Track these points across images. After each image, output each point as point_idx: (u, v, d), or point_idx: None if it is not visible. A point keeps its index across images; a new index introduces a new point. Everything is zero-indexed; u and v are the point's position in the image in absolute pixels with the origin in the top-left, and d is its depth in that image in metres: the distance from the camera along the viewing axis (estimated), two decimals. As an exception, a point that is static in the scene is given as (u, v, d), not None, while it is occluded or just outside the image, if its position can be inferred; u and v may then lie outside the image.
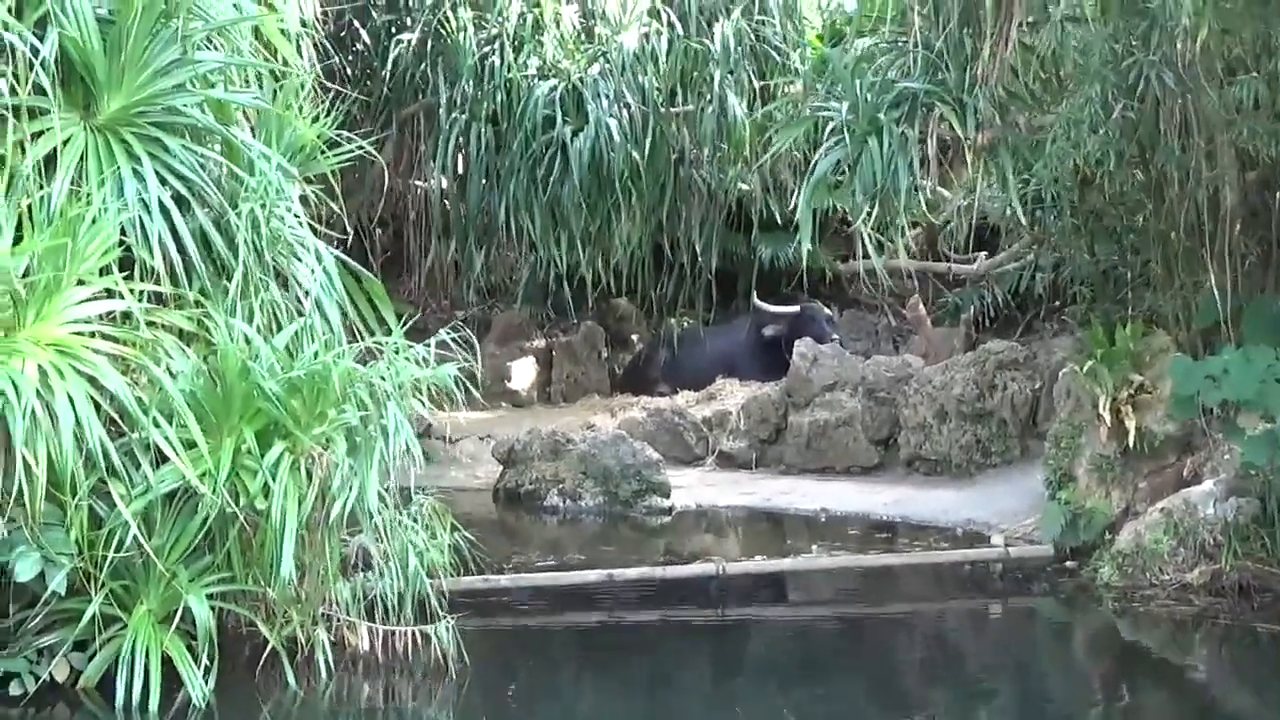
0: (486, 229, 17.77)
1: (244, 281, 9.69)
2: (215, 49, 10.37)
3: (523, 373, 20.44)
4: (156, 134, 9.66)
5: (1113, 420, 12.36)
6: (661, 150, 17.26)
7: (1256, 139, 11.82)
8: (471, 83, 17.12)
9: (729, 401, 17.78)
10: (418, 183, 18.57)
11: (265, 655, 9.16)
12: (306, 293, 10.08)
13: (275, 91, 10.69)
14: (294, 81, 10.68)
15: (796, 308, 19.47)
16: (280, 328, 9.85)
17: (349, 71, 17.60)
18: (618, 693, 9.91)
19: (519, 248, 18.39)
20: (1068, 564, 12.31)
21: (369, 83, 17.86)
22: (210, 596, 9.06)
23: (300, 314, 9.94)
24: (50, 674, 8.80)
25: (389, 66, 17.47)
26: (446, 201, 18.02)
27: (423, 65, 17.44)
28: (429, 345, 10.04)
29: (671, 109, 17.43)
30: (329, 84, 15.41)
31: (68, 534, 8.60)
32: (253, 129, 10.51)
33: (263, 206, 9.85)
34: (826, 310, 19.76)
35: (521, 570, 12.12)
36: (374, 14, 17.82)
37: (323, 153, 11.05)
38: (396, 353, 9.87)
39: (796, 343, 17.50)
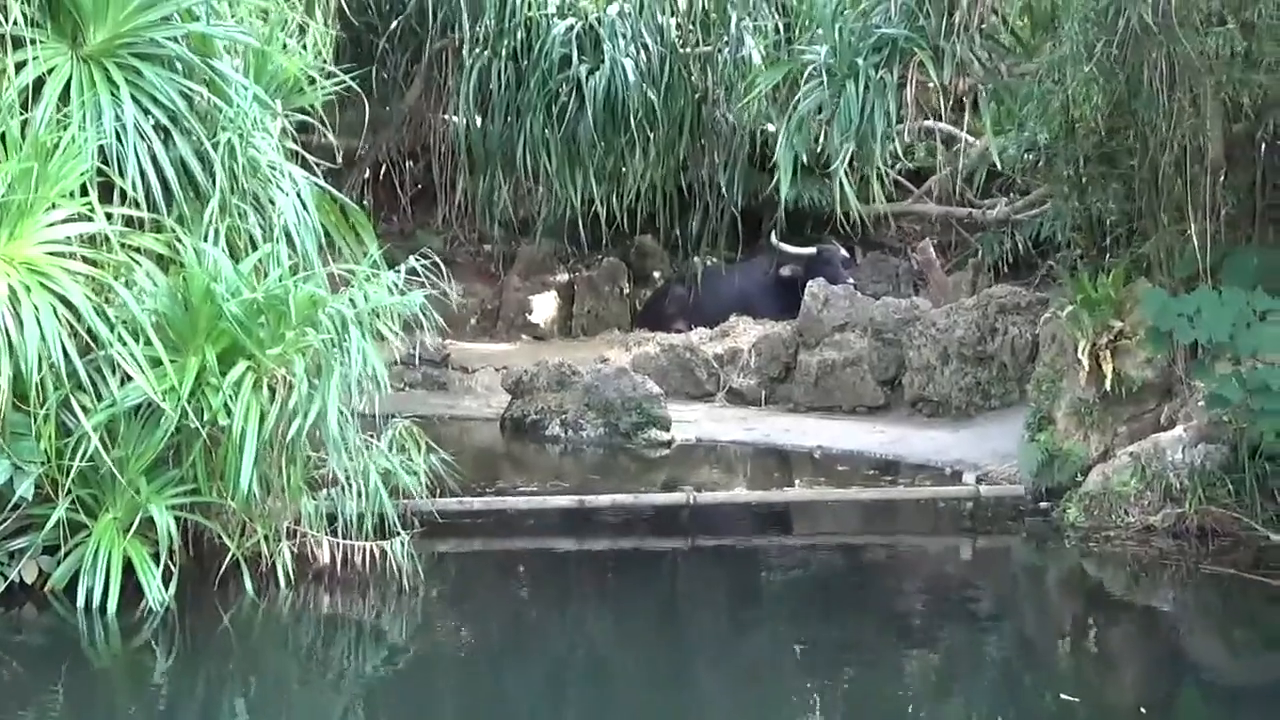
0: (507, 164, 18.11)
1: (220, 208, 10.08)
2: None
3: (544, 306, 20.85)
4: (138, 64, 10.06)
5: (1091, 365, 12.61)
6: (680, 90, 17.56)
7: (1234, 88, 11.96)
8: (493, 19, 17.46)
9: (741, 339, 18.06)
10: (446, 117, 18.93)
11: (226, 565, 9.58)
12: (283, 220, 10.44)
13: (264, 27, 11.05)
14: (277, 17, 11.04)
15: (813, 249, 19.73)
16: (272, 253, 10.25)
17: (373, 7, 17.96)
18: (564, 613, 10.34)
19: (537, 183, 18.72)
20: (1042, 505, 12.54)
21: (395, 18, 18.21)
22: (177, 507, 9.51)
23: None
24: (20, 575, 9.27)
25: (415, 3, 17.83)
26: (469, 136, 18.35)
27: (447, 2, 17.79)
28: (399, 273, 10.43)
29: (692, 49, 17.69)
30: (353, 19, 15.92)
31: (36, 443, 9.05)
32: (244, 64, 10.87)
33: (240, 136, 10.23)
34: (844, 252, 20.01)
35: (503, 494, 12.50)
36: (401, -52, 18.18)
37: (311, 84, 11.42)
38: (368, 280, 10.27)
39: (809, 283, 17.76)
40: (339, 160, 12.26)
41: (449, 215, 19.80)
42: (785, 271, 19.67)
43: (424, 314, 10.42)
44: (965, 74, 12.17)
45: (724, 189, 18.57)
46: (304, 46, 11.59)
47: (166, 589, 9.28)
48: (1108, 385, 12.53)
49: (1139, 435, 12.47)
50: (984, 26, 12.30)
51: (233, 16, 10.87)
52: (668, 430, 15.42)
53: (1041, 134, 14.60)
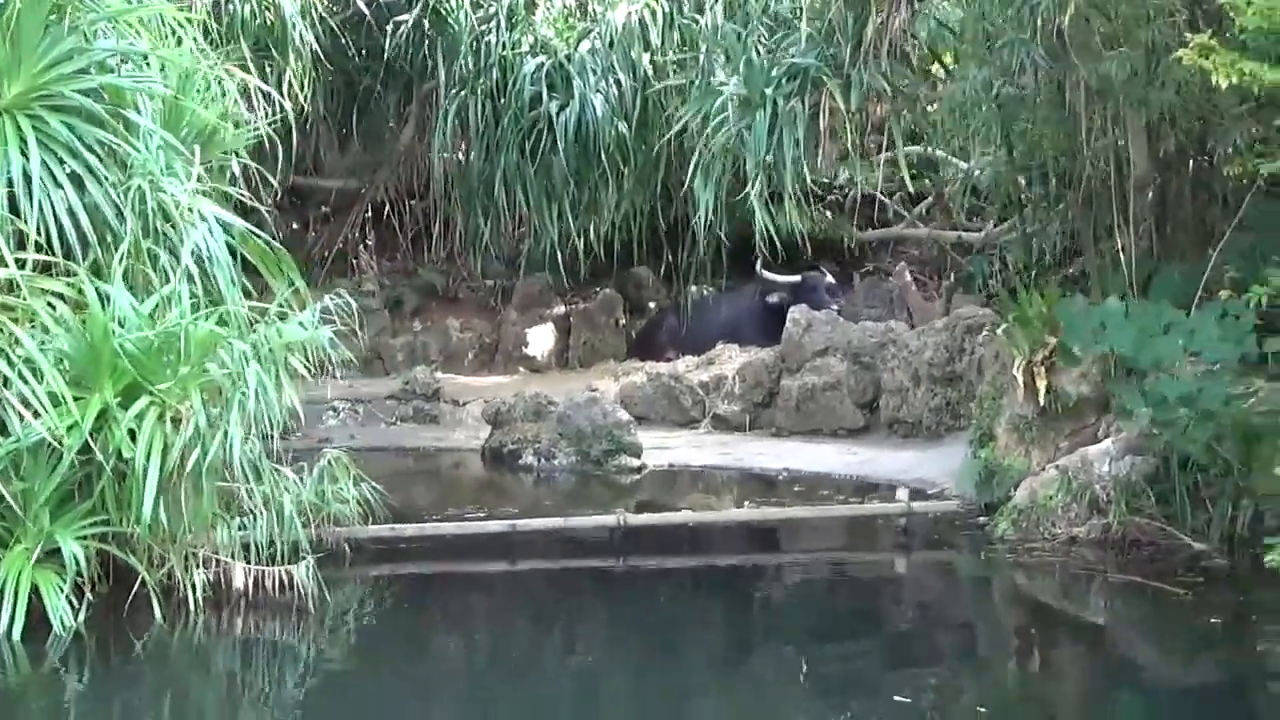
0: (488, 200, 18.55)
1: (131, 251, 10.54)
2: (123, 38, 11.22)
3: (540, 339, 21.17)
4: (49, 116, 10.53)
5: (1026, 381, 12.83)
6: (654, 123, 17.90)
7: (1136, 106, 12.21)
8: (470, 60, 17.91)
9: (726, 366, 18.30)
10: (435, 155, 19.39)
11: (136, 591, 10.02)
12: (198, 261, 10.87)
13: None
14: (191, 67, 11.52)
15: (798, 276, 19.99)
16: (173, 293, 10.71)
17: (356, 52, 18.49)
18: (470, 634, 10.78)
19: (516, 218, 19.12)
20: (981, 520, 12.77)
21: (377, 62, 18.71)
22: (90, 537, 9.96)
23: (189, 280, 10.74)
24: (-61, 608, 9.76)
25: (392, 46, 18.29)
26: (451, 174, 18.82)
27: (425, 44, 18.27)
28: (314, 310, 10.88)
29: (668, 83, 18.03)
30: (331, 65, 16.41)
31: (-55, 480, 9.55)
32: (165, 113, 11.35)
33: (150, 182, 10.70)
34: (829, 278, 20.23)
35: (450, 520, 12.86)
36: (379, -4, 18.67)
37: (235, 129, 11.91)
38: (281, 319, 10.75)
39: (792, 309, 18.01)
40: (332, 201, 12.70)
41: (449, 252, 20.27)
42: (771, 299, 19.90)
43: (332, 351, 10.83)
44: (880, 100, 12.41)
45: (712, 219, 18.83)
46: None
47: (78, 616, 9.69)
48: (1043, 401, 12.72)
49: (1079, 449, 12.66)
50: (901, 51, 12.56)
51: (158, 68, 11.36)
52: (638, 457, 15.69)
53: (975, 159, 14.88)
